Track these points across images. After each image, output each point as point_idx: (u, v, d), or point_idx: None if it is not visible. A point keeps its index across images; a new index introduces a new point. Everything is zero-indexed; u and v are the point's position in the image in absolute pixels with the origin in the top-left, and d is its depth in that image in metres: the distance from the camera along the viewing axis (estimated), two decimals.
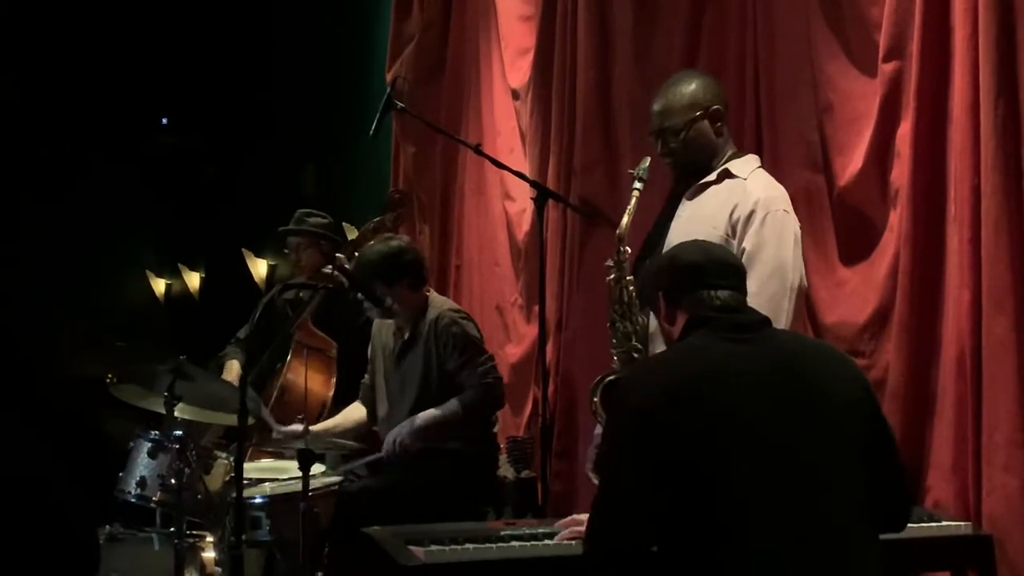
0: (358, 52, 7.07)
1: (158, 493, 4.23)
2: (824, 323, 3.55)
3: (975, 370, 3.03)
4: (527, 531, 2.71)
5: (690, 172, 3.36)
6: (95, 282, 8.78)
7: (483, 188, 5.43)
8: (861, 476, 2.26)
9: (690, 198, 3.36)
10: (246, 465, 3.99)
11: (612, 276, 3.10)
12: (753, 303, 2.55)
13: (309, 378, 4.71)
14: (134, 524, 4.45)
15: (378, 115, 4.35)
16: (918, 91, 3.23)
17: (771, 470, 2.20)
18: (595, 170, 4.55)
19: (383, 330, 4.40)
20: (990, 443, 2.98)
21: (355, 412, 4.48)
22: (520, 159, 5.05)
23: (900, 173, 3.32)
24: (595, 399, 3.11)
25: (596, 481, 3.27)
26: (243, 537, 3.45)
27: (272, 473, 4.24)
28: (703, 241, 2.73)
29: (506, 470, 4.55)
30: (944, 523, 2.89)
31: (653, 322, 3.05)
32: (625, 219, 3.13)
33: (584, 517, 2.54)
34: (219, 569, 4.11)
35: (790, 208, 3.28)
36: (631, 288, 3.08)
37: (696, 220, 3.27)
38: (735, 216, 3.21)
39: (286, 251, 5.34)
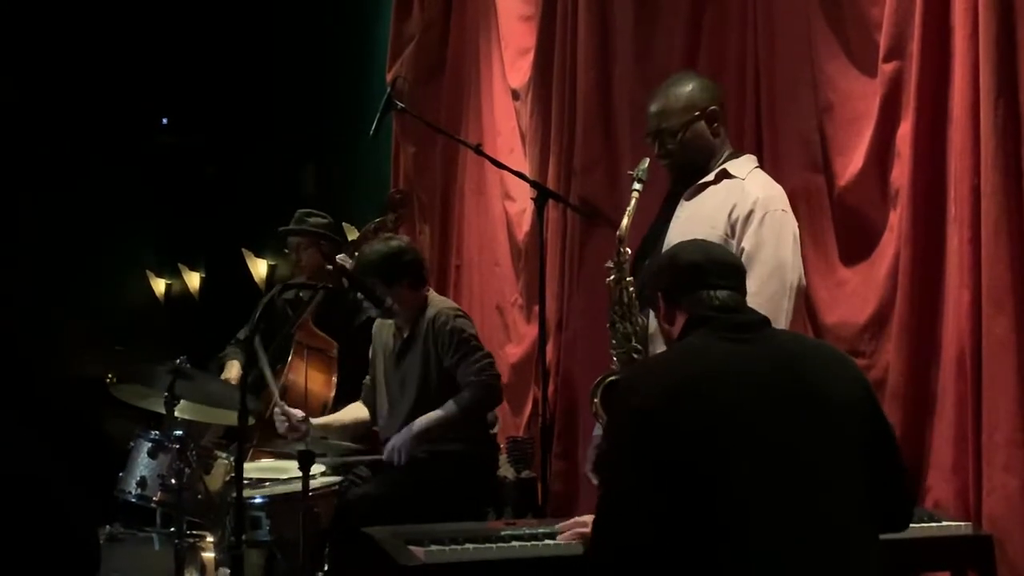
0: (358, 52, 7.07)
1: (158, 493, 4.23)
2: (824, 323, 3.55)
3: (975, 370, 3.03)
4: (527, 531, 2.70)
5: (687, 173, 3.37)
6: (95, 282, 8.77)
7: (483, 188, 5.43)
8: (861, 476, 2.26)
9: (688, 198, 3.36)
10: (246, 465, 3.99)
11: (612, 277, 3.11)
12: (753, 303, 2.55)
13: (310, 378, 4.72)
14: (134, 524, 4.45)
15: (378, 115, 4.35)
16: (918, 91, 3.23)
17: (771, 470, 2.20)
18: (595, 170, 4.55)
19: (383, 330, 4.40)
20: (990, 443, 2.98)
21: (356, 411, 4.48)
22: (520, 159, 5.05)
23: (900, 173, 3.32)
24: (595, 400, 3.11)
25: (595, 482, 3.28)
26: (243, 537, 3.44)
27: (272, 473, 4.24)
28: (703, 241, 2.73)
29: (506, 470, 4.55)
30: (944, 523, 2.89)
31: (653, 323, 3.05)
32: (625, 220, 3.13)
33: (586, 519, 2.55)
34: (224, 570, 4.10)
35: (788, 207, 3.29)
36: (631, 289, 3.08)
37: (695, 220, 3.27)
38: (734, 216, 3.22)
39: (286, 251, 5.34)
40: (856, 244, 3.50)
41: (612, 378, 3.08)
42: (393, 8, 6.19)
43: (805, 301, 3.51)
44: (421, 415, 4.10)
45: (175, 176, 9.39)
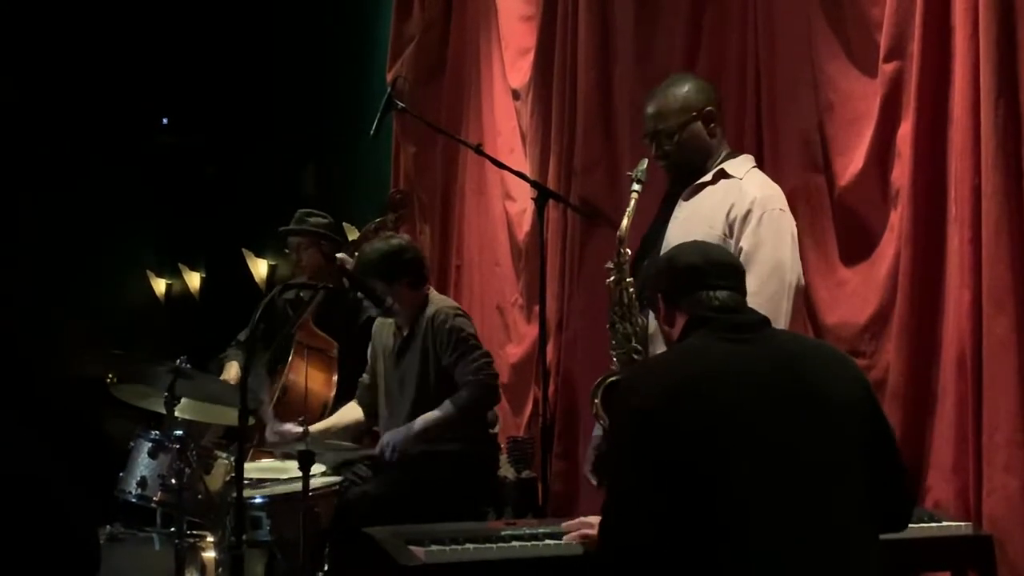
0: (358, 52, 7.07)
1: (159, 493, 4.23)
2: (825, 323, 3.55)
3: (976, 370, 3.03)
4: (527, 531, 2.70)
5: (685, 174, 3.37)
6: (95, 282, 8.77)
7: (484, 188, 5.43)
8: (861, 476, 2.26)
9: (686, 199, 3.36)
10: (246, 465, 3.99)
11: (612, 278, 3.11)
12: (752, 302, 2.55)
13: (310, 378, 4.72)
14: (134, 524, 4.45)
15: (379, 115, 4.34)
16: (919, 91, 3.23)
17: (771, 470, 2.20)
18: (595, 170, 4.55)
19: (383, 329, 4.40)
20: (990, 443, 2.98)
21: (351, 412, 4.48)
22: (520, 159, 5.05)
23: (901, 173, 3.32)
24: (596, 400, 3.11)
25: (594, 482, 3.28)
26: (243, 537, 3.44)
27: (272, 473, 4.24)
28: (701, 242, 2.73)
29: (506, 470, 4.55)
30: (944, 523, 2.89)
31: (653, 323, 3.05)
32: (625, 221, 3.14)
33: (592, 519, 2.55)
34: (220, 569, 4.11)
35: (786, 207, 3.30)
36: (631, 290, 3.09)
37: (693, 220, 3.28)
38: (732, 216, 3.22)
39: (287, 251, 5.34)
40: (856, 244, 3.50)
41: (612, 379, 3.09)
42: (393, 8, 6.19)
43: (805, 301, 3.51)
44: (420, 414, 4.10)
45: (175, 176, 9.38)
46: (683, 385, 2.27)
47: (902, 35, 3.32)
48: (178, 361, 4.01)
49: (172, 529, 4.05)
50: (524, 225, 5.02)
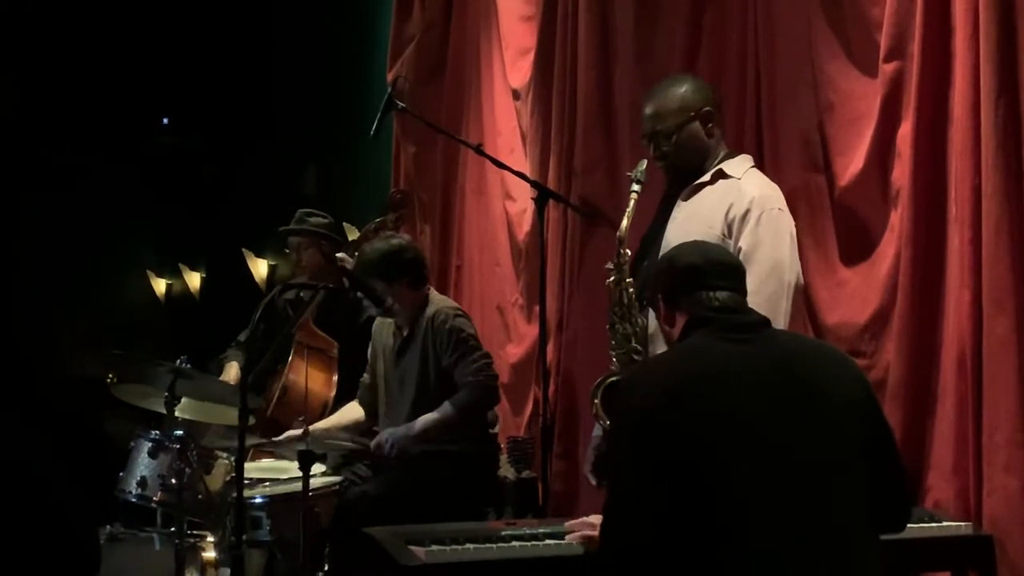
0: (358, 52, 7.07)
1: (159, 493, 4.23)
2: (825, 323, 3.55)
3: (976, 370, 3.03)
4: (528, 531, 2.70)
5: (683, 174, 3.38)
6: (95, 282, 8.77)
7: (484, 188, 5.43)
8: (861, 476, 2.26)
9: (685, 199, 3.37)
10: (247, 465, 3.98)
11: (612, 278, 3.11)
12: (751, 302, 2.55)
13: (310, 378, 4.72)
14: (135, 524, 4.45)
15: (379, 115, 4.34)
16: (919, 91, 3.23)
17: (771, 470, 2.20)
18: (596, 170, 4.55)
19: (383, 328, 4.40)
20: (991, 444, 2.98)
21: (352, 412, 4.48)
22: (521, 159, 5.05)
23: (901, 173, 3.32)
24: (596, 401, 3.11)
25: (594, 483, 3.29)
26: (244, 537, 3.45)
27: (272, 473, 4.24)
28: (701, 242, 2.73)
29: (507, 470, 4.55)
30: (945, 523, 2.89)
31: (653, 323, 3.05)
32: (624, 221, 3.14)
33: (594, 519, 2.55)
34: (224, 570, 4.11)
35: (785, 206, 3.30)
36: (631, 290, 3.09)
37: (692, 221, 3.28)
38: (730, 215, 3.23)
39: (287, 251, 5.34)
40: (857, 244, 3.51)
41: (612, 379, 3.09)
42: (393, 8, 6.19)
43: (806, 301, 3.51)
44: (420, 414, 4.10)
45: (175, 176, 9.38)
46: (683, 385, 2.27)
47: (902, 35, 3.32)
48: (178, 361, 4.01)
49: (172, 529, 4.05)
50: (524, 225, 5.02)
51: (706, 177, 3.34)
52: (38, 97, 8.33)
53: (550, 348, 4.51)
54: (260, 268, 8.21)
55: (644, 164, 3.29)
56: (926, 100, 3.23)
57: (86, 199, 8.54)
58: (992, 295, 2.99)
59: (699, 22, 4.08)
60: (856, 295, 3.48)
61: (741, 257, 3.04)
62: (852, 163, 3.49)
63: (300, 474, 3.59)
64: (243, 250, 8.26)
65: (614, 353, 3.11)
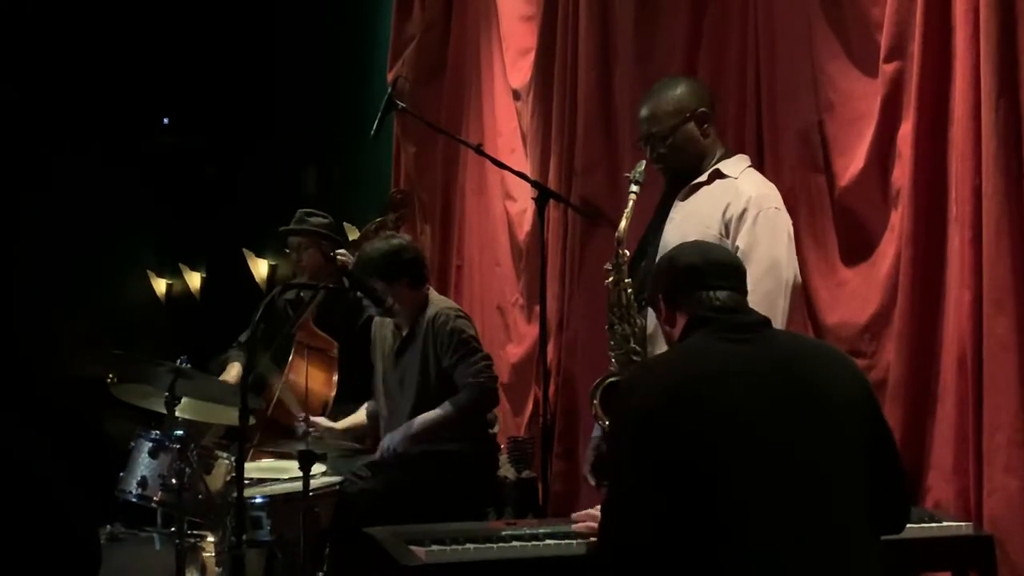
0: (358, 52, 7.07)
1: (159, 493, 4.23)
2: (825, 323, 3.55)
3: (976, 371, 3.03)
4: (528, 531, 2.70)
5: (680, 175, 3.38)
6: (95, 282, 8.77)
7: (484, 188, 5.44)
8: (861, 476, 2.26)
9: (682, 200, 3.37)
10: (247, 465, 3.99)
11: (611, 279, 3.11)
12: (748, 301, 2.55)
13: (310, 378, 4.71)
14: (135, 524, 4.45)
15: (379, 115, 4.34)
16: (919, 91, 3.23)
17: (771, 470, 2.20)
18: (596, 170, 4.55)
19: (383, 329, 4.40)
20: (991, 444, 2.98)
21: (357, 416, 4.50)
22: (521, 159, 5.05)
23: (901, 173, 3.32)
24: (595, 401, 3.11)
25: (593, 483, 3.29)
26: (244, 537, 3.45)
27: (272, 473, 4.24)
28: (702, 242, 2.74)
29: (507, 470, 4.55)
30: (945, 523, 2.88)
31: (652, 323, 3.05)
32: (623, 222, 3.14)
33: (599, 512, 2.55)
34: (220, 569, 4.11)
35: (782, 205, 3.30)
36: (629, 291, 3.09)
37: (690, 221, 3.28)
38: (728, 215, 3.23)
39: (287, 251, 5.34)
40: (857, 244, 3.50)
41: (612, 379, 3.09)
42: (393, 8, 6.19)
43: (806, 301, 3.51)
44: (421, 414, 4.10)
45: (175, 176, 9.38)
46: (683, 385, 2.27)
47: (902, 35, 3.31)
48: (178, 361, 4.01)
49: (172, 529, 4.05)
50: (524, 225, 5.03)
51: (703, 177, 3.34)
52: (38, 97, 8.34)
53: (550, 348, 4.51)
54: (260, 268, 8.21)
55: (643, 165, 3.29)
56: (926, 100, 3.22)
57: (86, 199, 8.54)
58: (992, 295, 2.99)
59: (699, 22, 4.08)
60: (856, 295, 3.48)
61: (738, 256, 3.05)
62: (852, 163, 3.48)
63: (300, 474, 3.59)
64: (243, 250, 8.27)
65: (613, 354, 3.11)
